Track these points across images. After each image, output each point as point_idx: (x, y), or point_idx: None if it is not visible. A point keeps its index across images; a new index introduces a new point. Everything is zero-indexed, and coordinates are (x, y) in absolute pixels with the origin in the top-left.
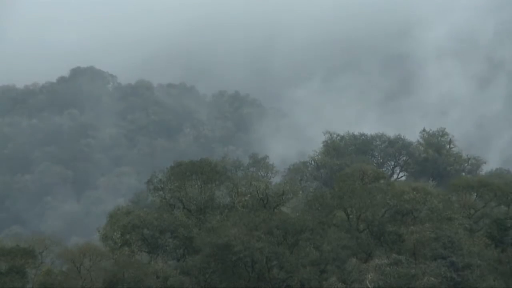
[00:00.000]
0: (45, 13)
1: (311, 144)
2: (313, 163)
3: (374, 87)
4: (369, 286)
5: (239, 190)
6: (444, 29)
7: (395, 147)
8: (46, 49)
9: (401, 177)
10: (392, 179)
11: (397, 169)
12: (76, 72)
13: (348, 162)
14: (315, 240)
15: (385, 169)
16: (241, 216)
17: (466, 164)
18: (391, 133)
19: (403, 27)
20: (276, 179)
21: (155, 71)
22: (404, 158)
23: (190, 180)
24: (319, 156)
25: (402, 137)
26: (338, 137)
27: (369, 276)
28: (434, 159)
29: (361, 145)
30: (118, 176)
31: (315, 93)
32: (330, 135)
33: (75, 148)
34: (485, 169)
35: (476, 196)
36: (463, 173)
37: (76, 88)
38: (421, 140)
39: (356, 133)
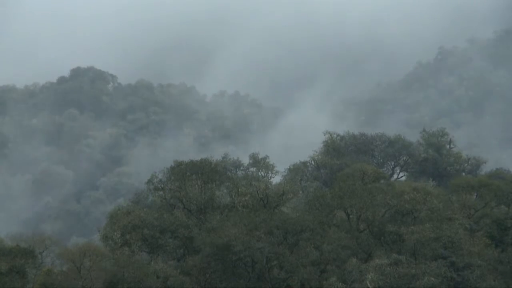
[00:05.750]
0: (45, 13)
1: (311, 144)
2: (313, 163)
3: (374, 86)
4: (369, 286)
5: (239, 190)
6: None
7: (395, 147)
8: (47, 49)
9: (401, 177)
10: (392, 179)
11: (397, 169)
12: (76, 72)
13: (348, 162)
14: (315, 240)
15: (385, 169)
16: (241, 216)
17: (466, 164)
18: (391, 132)
19: None
20: (276, 179)
21: (155, 71)
22: (404, 158)
23: (190, 180)
24: (319, 156)
25: (402, 137)
26: (338, 137)
27: (369, 276)
28: (434, 159)
29: (361, 145)
30: (118, 176)
31: (315, 92)
32: (330, 135)
33: (75, 148)
34: (485, 169)
35: (476, 196)
36: (463, 173)
37: (76, 88)
38: (421, 140)
39: (356, 133)
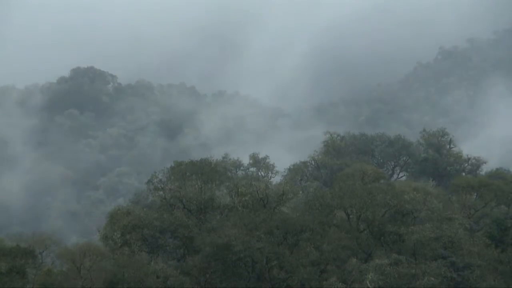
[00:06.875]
0: (46, 13)
1: (311, 144)
2: (313, 163)
3: (374, 86)
4: (369, 286)
5: (239, 190)
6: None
7: (395, 147)
8: (47, 49)
9: (401, 177)
10: (392, 179)
11: (397, 169)
12: (76, 72)
13: (348, 162)
14: (315, 240)
15: (385, 169)
16: (241, 216)
17: (466, 164)
18: (391, 132)
19: None
20: (276, 179)
21: (155, 71)
22: (404, 158)
23: (190, 180)
24: (319, 156)
25: (402, 137)
26: (338, 137)
27: (369, 276)
28: (434, 159)
29: (361, 145)
30: (118, 176)
31: (315, 92)
32: (330, 135)
33: (75, 148)
34: (485, 169)
35: (476, 196)
36: (463, 173)
37: (76, 88)
38: (421, 140)
39: (356, 133)
